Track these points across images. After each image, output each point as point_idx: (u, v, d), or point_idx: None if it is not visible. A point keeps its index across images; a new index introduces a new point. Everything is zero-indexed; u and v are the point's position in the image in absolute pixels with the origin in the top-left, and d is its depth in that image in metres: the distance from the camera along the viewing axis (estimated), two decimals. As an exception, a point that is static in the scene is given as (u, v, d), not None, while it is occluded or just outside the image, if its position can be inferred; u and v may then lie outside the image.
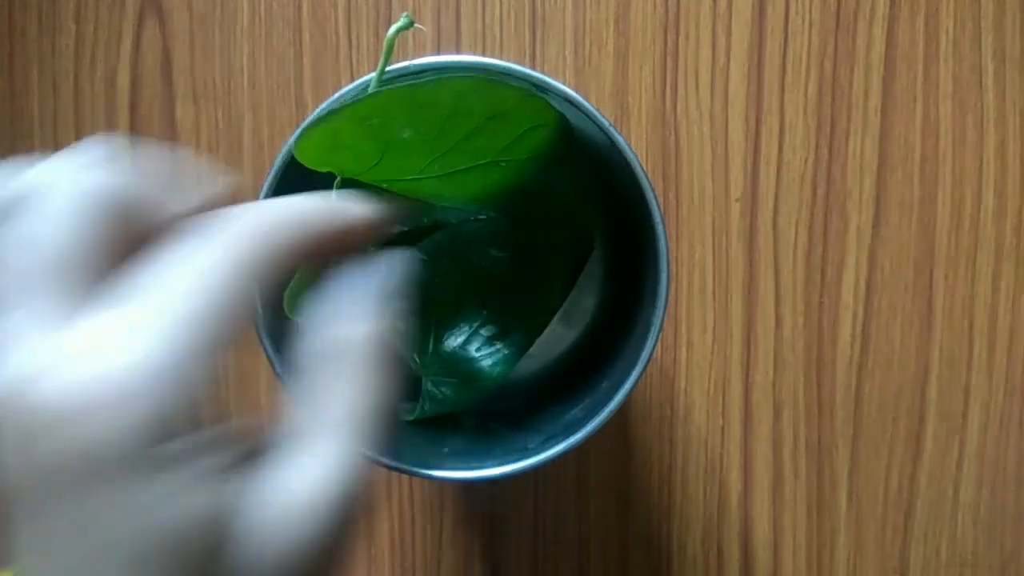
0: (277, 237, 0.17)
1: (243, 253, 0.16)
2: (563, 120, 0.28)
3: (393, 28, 0.26)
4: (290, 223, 0.18)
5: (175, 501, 0.15)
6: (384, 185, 0.29)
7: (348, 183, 0.28)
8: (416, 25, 0.36)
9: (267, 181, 0.28)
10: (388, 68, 0.27)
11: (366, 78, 0.27)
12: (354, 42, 0.42)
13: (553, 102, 0.27)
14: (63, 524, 0.15)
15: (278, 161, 0.28)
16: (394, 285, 0.19)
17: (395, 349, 0.19)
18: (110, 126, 0.43)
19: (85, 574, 0.15)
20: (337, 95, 0.28)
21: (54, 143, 0.43)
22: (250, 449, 0.17)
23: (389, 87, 0.25)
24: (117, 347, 0.15)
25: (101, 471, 0.14)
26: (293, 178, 0.29)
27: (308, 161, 0.27)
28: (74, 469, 0.14)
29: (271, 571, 0.16)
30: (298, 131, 0.25)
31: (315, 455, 0.17)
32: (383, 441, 0.18)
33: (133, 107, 0.43)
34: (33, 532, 0.15)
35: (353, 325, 0.18)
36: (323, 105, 0.28)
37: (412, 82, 0.26)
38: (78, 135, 0.43)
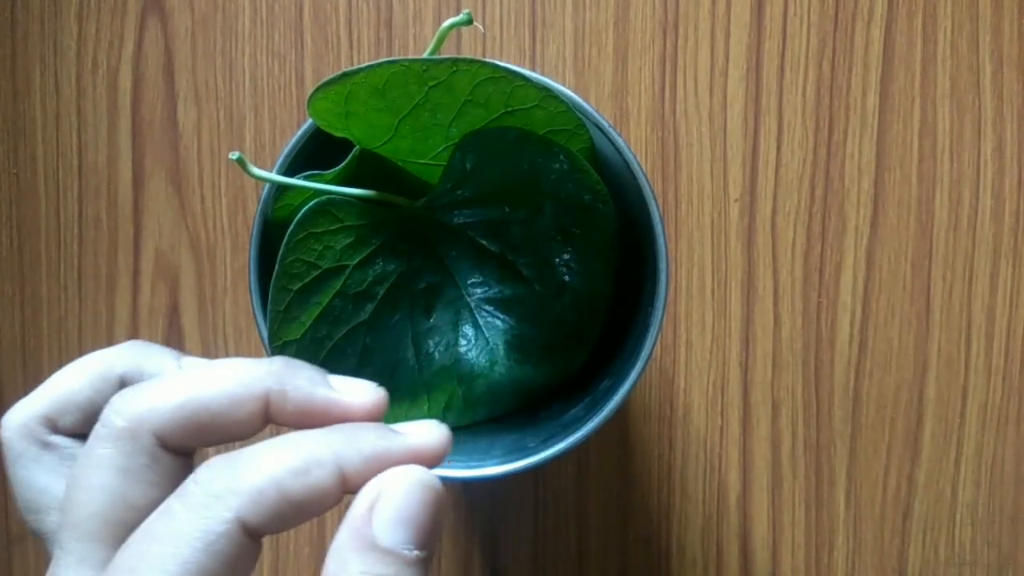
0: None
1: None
2: (587, 130, 0.28)
3: (449, 22, 0.27)
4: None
5: None
6: (399, 163, 0.29)
7: (365, 154, 0.29)
8: (476, 24, 0.36)
9: (286, 150, 0.28)
10: None
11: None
12: (355, 43, 0.42)
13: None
14: None
15: (299, 132, 0.28)
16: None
17: None
18: (112, 127, 0.43)
19: None
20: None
21: (56, 143, 0.44)
22: None
23: (404, 58, 0.25)
24: None
25: None
26: (312, 149, 0.29)
27: (322, 123, 0.27)
28: None
29: None
30: (314, 89, 0.26)
31: None
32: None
33: (135, 108, 0.43)
34: None
35: None
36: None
37: (428, 58, 0.26)
38: (80, 135, 0.44)
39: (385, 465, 0.19)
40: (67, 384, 0.23)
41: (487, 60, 0.26)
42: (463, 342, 0.31)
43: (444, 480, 0.30)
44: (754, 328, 0.42)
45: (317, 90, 0.26)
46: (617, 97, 0.42)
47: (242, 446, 0.19)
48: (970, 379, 0.42)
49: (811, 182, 0.42)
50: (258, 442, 0.19)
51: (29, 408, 0.23)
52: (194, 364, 0.24)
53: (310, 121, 0.28)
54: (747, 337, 0.42)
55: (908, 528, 0.42)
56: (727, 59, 0.41)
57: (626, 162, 0.28)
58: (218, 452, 0.19)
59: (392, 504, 0.18)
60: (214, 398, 0.19)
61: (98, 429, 0.19)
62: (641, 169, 0.28)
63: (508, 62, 0.28)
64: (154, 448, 0.19)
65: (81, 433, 0.23)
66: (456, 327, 0.31)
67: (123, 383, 0.23)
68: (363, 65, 0.25)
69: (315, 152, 0.29)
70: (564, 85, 0.28)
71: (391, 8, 0.42)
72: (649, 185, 0.28)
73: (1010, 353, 0.42)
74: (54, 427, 0.23)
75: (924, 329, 0.42)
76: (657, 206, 0.28)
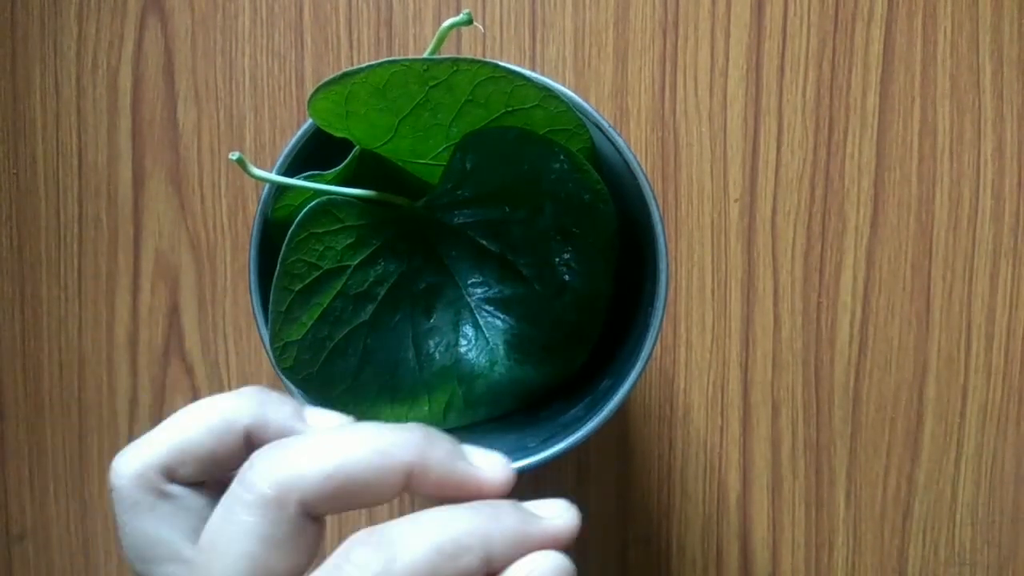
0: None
1: None
2: (587, 130, 0.28)
3: (449, 22, 0.26)
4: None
5: None
6: (399, 163, 0.29)
7: (365, 154, 0.29)
8: (476, 24, 0.36)
9: (286, 150, 0.28)
10: None
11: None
12: (355, 43, 0.42)
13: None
14: None
15: (299, 132, 0.28)
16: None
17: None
18: (112, 127, 0.43)
19: None
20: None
21: (56, 144, 0.44)
22: None
23: (405, 58, 0.25)
24: None
25: None
26: (312, 149, 0.29)
27: (322, 123, 0.27)
28: None
29: None
30: (314, 89, 0.26)
31: None
32: None
33: (135, 108, 0.43)
34: None
35: None
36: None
37: (428, 58, 0.26)
38: (80, 135, 0.44)
39: (527, 548, 0.19)
40: (187, 433, 0.22)
41: (487, 60, 0.26)
42: (463, 342, 0.31)
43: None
44: (754, 328, 0.42)
45: (317, 90, 0.26)
46: (617, 97, 0.42)
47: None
48: (970, 379, 0.42)
49: (811, 182, 0.42)
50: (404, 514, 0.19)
51: (145, 456, 0.22)
52: (321, 417, 0.23)
53: (310, 121, 0.28)
54: (747, 337, 0.42)
55: (908, 528, 0.42)
56: (727, 59, 0.42)
57: (626, 162, 0.28)
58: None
59: None
60: (362, 470, 0.19)
61: (240, 493, 0.19)
62: (641, 169, 0.28)
63: (508, 62, 0.28)
64: (299, 518, 0.19)
65: (198, 482, 0.22)
66: (456, 327, 0.31)
67: (247, 435, 0.22)
68: (363, 65, 0.25)
69: (315, 152, 0.29)
70: (564, 85, 0.28)
71: (391, 8, 0.42)
72: (649, 185, 0.28)
73: (1010, 353, 0.42)
74: (172, 476, 0.22)
75: (924, 329, 0.42)
76: (657, 206, 0.28)
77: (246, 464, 0.19)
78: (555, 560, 0.19)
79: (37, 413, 0.44)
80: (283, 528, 0.19)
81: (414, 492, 0.20)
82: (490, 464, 0.21)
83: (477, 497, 0.20)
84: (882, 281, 0.42)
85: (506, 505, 0.20)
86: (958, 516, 0.42)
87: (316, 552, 0.19)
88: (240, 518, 0.19)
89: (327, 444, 0.19)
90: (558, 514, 0.20)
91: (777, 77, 0.42)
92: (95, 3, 0.43)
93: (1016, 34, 0.41)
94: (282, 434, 0.22)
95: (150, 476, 0.22)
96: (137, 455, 0.22)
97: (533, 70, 0.31)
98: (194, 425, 0.22)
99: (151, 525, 0.22)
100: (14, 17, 0.43)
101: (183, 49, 0.43)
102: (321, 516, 0.20)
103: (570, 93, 0.28)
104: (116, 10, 0.43)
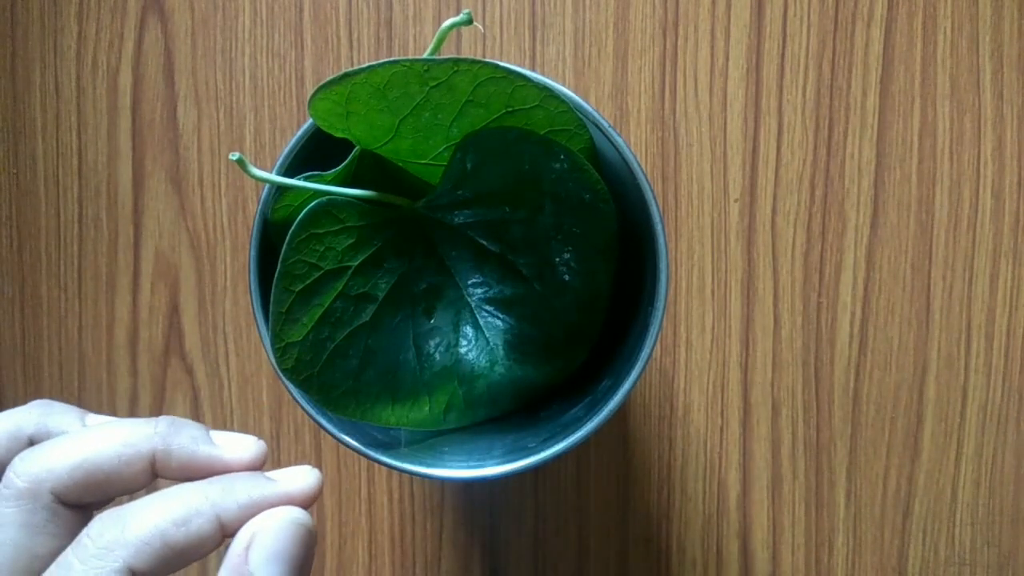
0: None
1: None
2: (587, 130, 0.28)
3: (449, 22, 0.27)
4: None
5: None
6: (399, 163, 0.29)
7: (365, 155, 0.29)
8: (476, 24, 0.36)
9: (286, 150, 0.28)
10: None
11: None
12: (355, 43, 0.42)
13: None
14: None
15: (299, 132, 0.28)
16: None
17: None
18: (112, 127, 0.43)
19: None
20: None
21: (56, 144, 0.44)
22: None
23: (405, 58, 0.25)
24: None
25: None
26: (312, 149, 0.29)
27: (322, 123, 0.27)
28: None
29: None
30: (314, 90, 0.26)
31: None
32: None
33: (135, 108, 0.43)
34: None
35: None
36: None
37: (429, 58, 0.26)
38: (80, 136, 0.44)
39: (260, 510, 0.21)
40: None
41: (488, 60, 0.26)
42: (464, 342, 0.31)
43: (445, 480, 0.30)
44: (754, 328, 0.42)
45: (318, 90, 0.26)
46: (617, 97, 0.42)
47: (132, 499, 0.21)
48: (970, 379, 0.42)
49: (811, 182, 0.42)
50: (146, 495, 0.21)
51: None
52: (96, 423, 0.25)
53: (310, 121, 0.28)
54: (747, 337, 0.42)
55: (908, 528, 0.42)
56: (727, 59, 0.42)
57: (626, 162, 0.28)
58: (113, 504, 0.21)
59: (265, 542, 0.21)
60: (106, 459, 0.22)
61: (1, 490, 0.21)
62: (641, 169, 0.28)
63: (508, 62, 0.28)
64: (54, 505, 0.21)
65: None
66: (457, 327, 0.31)
67: (31, 442, 0.24)
68: (364, 65, 0.25)
69: (315, 152, 0.29)
70: (564, 85, 0.28)
71: (391, 8, 0.42)
72: (649, 185, 0.28)
73: (1010, 353, 0.42)
74: None
75: (924, 329, 0.42)
76: (657, 206, 0.28)
77: (9, 465, 0.22)
78: (286, 514, 0.21)
79: (37, 413, 0.44)
80: (39, 515, 0.21)
81: (163, 476, 0.23)
82: (235, 444, 0.23)
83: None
84: (882, 281, 0.42)
85: (243, 475, 0.22)
86: (958, 516, 0.42)
87: (75, 535, 0.20)
88: (1, 511, 0.21)
89: (76, 440, 0.22)
90: (294, 477, 0.22)
91: (777, 77, 0.42)
92: (95, 3, 0.43)
93: (1016, 34, 0.41)
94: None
95: None
96: None
97: (533, 70, 0.31)
98: None
99: None
100: (14, 17, 0.43)
101: (183, 49, 0.43)
102: (78, 504, 0.22)
103: (570, 93, 0.28)
104: (116, 10, 0.43)
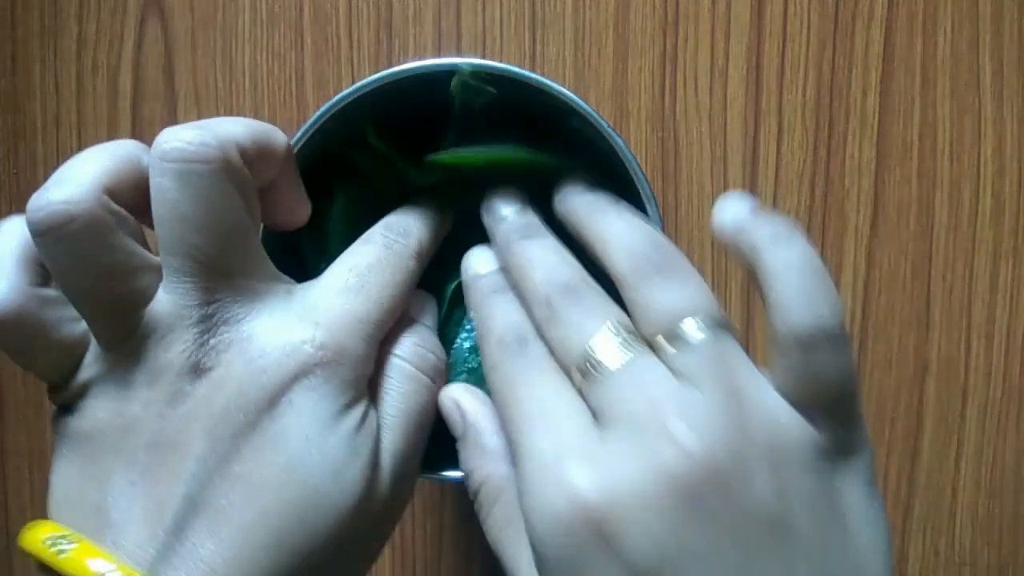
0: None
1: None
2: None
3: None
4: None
5: None
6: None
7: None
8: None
9: (305, 126, 0.28)
10: (391, 70, 0.27)
11: (368, 79, 0.27)
12: (355, 43, 0.42)
13: (556, 104, 0.27)
14: None
15: (299, 132, 0.28)
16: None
17: None
18: (112, 127, 0.43)
19: None
20: (338, 96, 0.28)
21: (56, 144, 0.44)
22: None
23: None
24: None
25: None
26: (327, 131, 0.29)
27: None
28: None
29: None
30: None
31: None
32: None
33: (135, 108, 0.43)
34: None
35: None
36: (324, 106, 0.28)
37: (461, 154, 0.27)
38: (80, 136, 0.44)
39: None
40: (113, 163, 0.21)
41: (479, 67, 0.26)
42: (463, 335, 0.31)
43: (445, 482, 0.30)
44: (754, 328, 0.42)
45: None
46: (617, 97, 0.42)
47: None
48: (970, 379, 0.42)
49: (811, 182, 0.42)
50: None
51: (91, 181, 0.21)
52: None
53: (310, 121, 0.28)
54: (747, 338, 0.42)
55: (908, 528, 0.42)
56: (727, 59, 0.41)
57: (625, 162, 0.28)
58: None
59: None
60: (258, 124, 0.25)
61: (158, 161, 0.21)
62: (641, 169, 0.28)
63: (508, 62, 0.28)
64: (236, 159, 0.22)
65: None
66: (460, 324, 0.31)
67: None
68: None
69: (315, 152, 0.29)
70: (564, 85, 0.28)
71: (391, 8, 0.42)
72: (649, 186, 0.28)
73: (1010, 353, 0.42)
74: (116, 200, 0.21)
75: (924, 329, 0.42)
76: (657, 207, 0.28)
77: (153, 145, 0.21)
78: None
79: (37, 413, 0.44)
80: (239, 175, 0.23)
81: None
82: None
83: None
84: (882, 281, 0.42)
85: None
86: (958, 517, 0.42)
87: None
88: (198, 171, 0.21)
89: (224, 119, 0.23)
90: None
91: (777, 77, 0.42)
92: (95, 3, 0.43)
93: (1016, 34, 0.41)
94: None
95: (106, 200, 0.21)
96: (80, 182, 0.20)
97: (533, 70, 0.31)
98: (112, 155, 0.22)
99: (125, 240, 0.21)
100: (14, 17, 0.43)
101: (183, 49, 0.43)
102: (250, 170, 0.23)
103: (570, 93, 0.28)
104: (116, 10, 0.43)
